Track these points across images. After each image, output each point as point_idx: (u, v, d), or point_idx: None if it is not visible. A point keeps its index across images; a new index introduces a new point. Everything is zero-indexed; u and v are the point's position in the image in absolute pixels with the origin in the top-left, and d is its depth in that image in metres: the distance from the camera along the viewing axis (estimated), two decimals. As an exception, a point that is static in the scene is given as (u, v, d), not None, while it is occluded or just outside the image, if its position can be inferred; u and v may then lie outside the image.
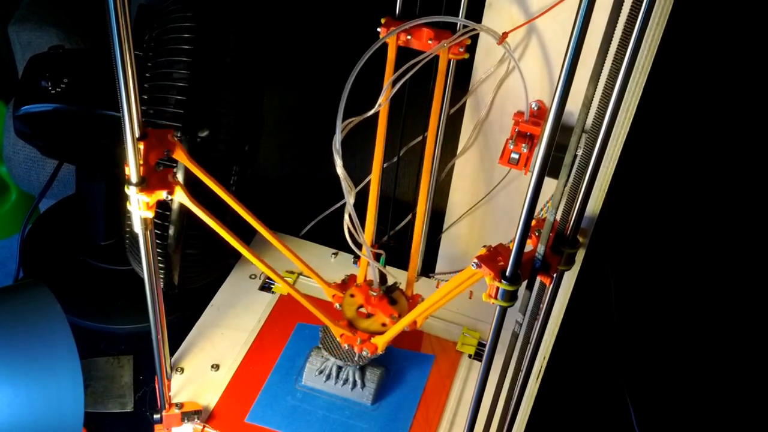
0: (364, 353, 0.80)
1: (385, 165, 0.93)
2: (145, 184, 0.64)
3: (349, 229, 0.71)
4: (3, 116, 1.24)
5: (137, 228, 0.67)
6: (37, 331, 0.79)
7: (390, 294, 0.82)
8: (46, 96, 0.82)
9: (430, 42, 0.77)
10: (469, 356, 0.93)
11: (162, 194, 0.65)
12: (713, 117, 1.05)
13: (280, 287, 1.00)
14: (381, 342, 0.79)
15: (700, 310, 1.13)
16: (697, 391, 1.04)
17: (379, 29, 0.76)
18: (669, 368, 1.07)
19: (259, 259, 0.74)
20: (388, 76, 0.77)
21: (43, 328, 0.79)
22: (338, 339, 0.80)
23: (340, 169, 0.66)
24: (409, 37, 0.78)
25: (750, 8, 0.93)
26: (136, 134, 0.61)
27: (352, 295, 0.82)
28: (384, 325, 0.80)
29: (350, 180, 0.67)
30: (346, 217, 0.70)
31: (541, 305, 0.63)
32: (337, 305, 0.82)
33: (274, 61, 0.99)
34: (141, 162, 0.63)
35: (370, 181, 0.83)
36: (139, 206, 0.65)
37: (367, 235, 0.82)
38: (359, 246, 0.74)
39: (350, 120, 0.67)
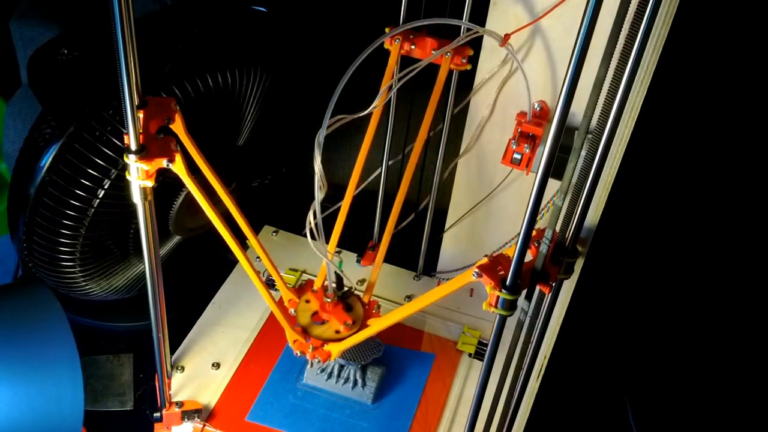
0: (316, 360, 0.78)
1: (390, 163, 0.93)
2: (145, 152, 0.62)
3: (311, 227, 0.69)
4: (3, 113, 1.24)
5: (136, 198, 0.65)
6: (37, 329, 0.79)
7: (345, 300, 0.79)
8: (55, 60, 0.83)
9: (433, 52, 0.77)
10: (470, 355, 0.93)
11: (162, 162, 0.64)
12: (718, 120, 1.05)
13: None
14: (336, 349, 0.77)
15: (699, 312, 1.14)
16: (693, 390, 1.05)
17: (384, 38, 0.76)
18: (667, 369, 1.08)
19: (241, 250, 0.72)
20: (386, 82, 0.77)
21: (42, 326, 0.79)
22: (291, 345, 0.78)
23: (317, 164, 0.64)
24: (412, 46, 0.78)
25: (755, 11, 0.93)
26: (135, 102, 0.60)
27: (307, 301, 0.80)
28: (338, 332, 0.77)
29: (324, 177, 0.66)
30: (311, 214, 0.68)
31: (542, 309, 0.63)
32: (291, 311, 0.79)
33: (279, 61, 0.99)
34: (140, 130, 0.61)
35: (369, 181, 0.83)
36: (138, 175, 0.63)
37: (335, 235, 0.80)
38: (320, 247, 0.71)
39: (341, 117, 0.66)
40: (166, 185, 0.82)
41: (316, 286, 0.81)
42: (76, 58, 0.83)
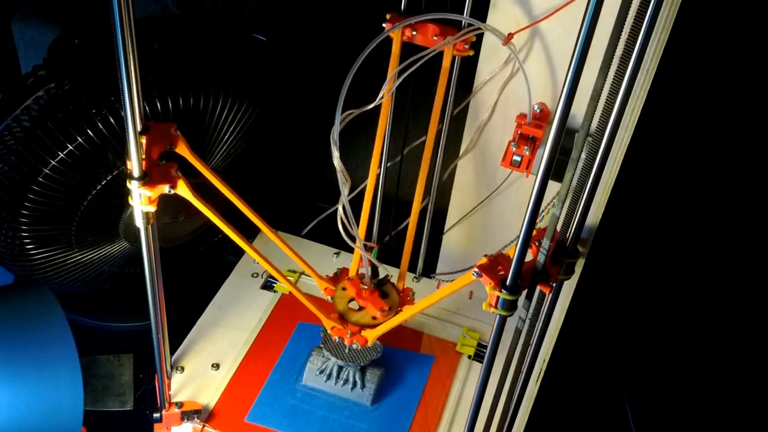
0: (354, 346, 0.80)
1: (389, 165, 0.93)
2: (147, 178, 0.63)
3: (342, 220, 0.71)
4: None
5: (139, 222, 0.66)
6: (36, 329, 0.79)
7: (381, 287, 0.82)
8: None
9: (435, 38, 0.77)
10: (469, 357, 0.93)
11: (164, 188, 0.64)
12: (719, 122, 1.05)
13: (282, 286, 1.00)
14: (371, 335, 0.79)
15: (699, 314, 1.14)
16: (694, 394, 1.04)
17: (384, 25, 0.76)
18: (667, 371, 1.08)
19: (260, 255, 0.74)
20: (392, 70, 0.77)
21: (42, 326, 0.79)
22: (329, 331, 0.80)
23: (336, 161, 0.65)
24: (414, 32, 0.78)
25: (755, 13, 0.93)
26: (138, 128, 0.60)
27: (343, 288, 0.82)
28: (374, 318, 0.80)
29: (346, 172, 0.67)
30: (340, 208, 0.70)
31: (542, 310, 0.63)
32: (328, 298, 0.82)
33: (278, 59, 0.99)
34: (143, 156, 0.62)
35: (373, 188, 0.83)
36: (141, 200, 0.64)
37: (362, 228, 0.82)
38: (353, 238, 0.73)
39: (350, 112, 0.66)
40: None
41: (351, 273, 0.83)
42: (85, 46, 0.83)
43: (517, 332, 0.65)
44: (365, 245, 0.78)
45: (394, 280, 0.85)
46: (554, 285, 0.61)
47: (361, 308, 0.82)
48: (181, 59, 0.84)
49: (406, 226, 0.98)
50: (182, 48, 0.86)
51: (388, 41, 0.78)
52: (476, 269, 0.58)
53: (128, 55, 0.55)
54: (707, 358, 1.09)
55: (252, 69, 0.92)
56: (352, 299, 0.82)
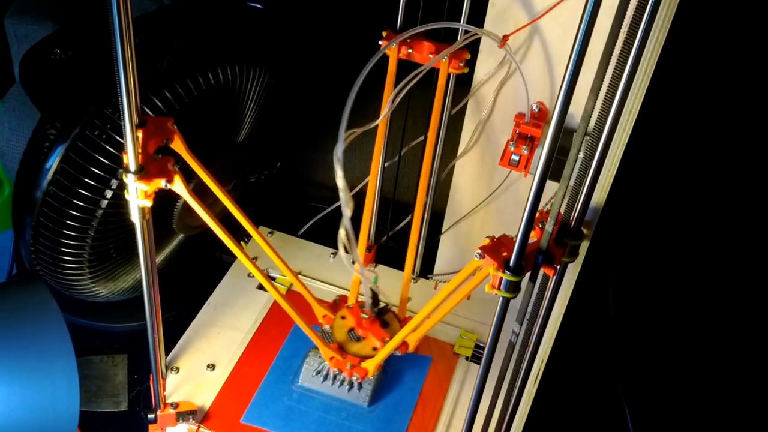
0: (354, 378, 0.77)
1: (386, 164, 0.93)
2: (144, 172, 0.63)
3: (344, 245, 0.63)
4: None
5: (134, 217, 0.66)
6: (33, 327, 0.79)
7: (382, 316, 0.79)
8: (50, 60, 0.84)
9: (431, 56, 0.76)
10: (467, 358, 0.93)
11: (161, 183, 0.64)
12: (717, 119, 1.05)
13: (280, 287, 0.99)
14: (372, 366, 0.76)
15: (697, 315, 1.13)
16: (692, 396, 1.04)
17: (380, 42, 0.76)
18: (665, 372, 1.07)
19: (249, 259, 0.73)
20: (388, 88, 0.76)
21: (39, 324, 0.79)
22: (327, 362, 0.77)
23: (340, 180, 0.60)
24: (410, 50, 0.77)
25: (754, 13, 0.93)
26: (135, 121, 0.60)
27: (343, 317, 0.79)
28: (375, 349, 0.77)
29: (349, 192, 0.61)
30: (342, 232, 0.62)
31: (543, 301, 0.62)
32: (327, 327, 0.78)
33: (277, 58, 0.99)
34: (139, 150, 0.62)
35: (367, 188, 0.82)
36: (137, 195, 0.64)
37: (360, 249, 0.79)
38: (351, 262, 0.69)
39: (353, 131, 0.65)
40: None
41: (350, 301, 0.80)
42: (69, 57, 0.82)
43: (513, 339, 0.65)
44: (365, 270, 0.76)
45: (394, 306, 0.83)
46: (558, 267, 0.59)
47: (360, 338, 0.78)
48: (204, 38, 0.84)
49: (406, 228, 0.97)
50: (201, 27, 0.85)
51: (386, 57, 0.78)
52: (478, 250, 0.56)
53: (125, 46, 0.55)
54: (706, 359, 1.08)
55: (263, 39, 0.91)
56: (351, 329, 0.79)
